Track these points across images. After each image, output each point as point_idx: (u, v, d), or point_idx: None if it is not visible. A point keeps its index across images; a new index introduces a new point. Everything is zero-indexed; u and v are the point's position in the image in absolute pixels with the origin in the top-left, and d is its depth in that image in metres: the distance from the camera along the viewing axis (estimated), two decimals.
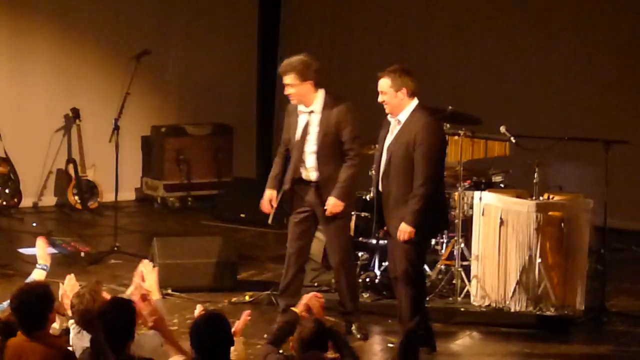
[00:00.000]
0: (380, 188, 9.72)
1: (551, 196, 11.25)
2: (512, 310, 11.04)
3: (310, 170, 10.11)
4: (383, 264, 11.56)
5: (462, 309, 11.16)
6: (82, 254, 12.47)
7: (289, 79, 9.91)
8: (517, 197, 11.19)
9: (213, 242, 12.33)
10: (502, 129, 11.51)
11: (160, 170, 15.20)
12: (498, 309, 11.13)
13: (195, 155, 15.34)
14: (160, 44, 15.00)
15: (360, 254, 11.74)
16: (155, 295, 8.24)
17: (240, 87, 16.30)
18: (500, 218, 11.12)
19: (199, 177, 15.30)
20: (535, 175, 11.20)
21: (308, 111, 10.03)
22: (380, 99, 9.62)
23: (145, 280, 8.34)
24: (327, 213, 10.12)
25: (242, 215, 14.36)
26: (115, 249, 12.81)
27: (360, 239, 11.90)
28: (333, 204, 10.00)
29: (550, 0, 14.92)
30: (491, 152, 11.89)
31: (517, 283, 11.03)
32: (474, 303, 11.25)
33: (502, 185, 11.73)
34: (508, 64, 14.75)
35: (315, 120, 10.02)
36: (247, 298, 10.95)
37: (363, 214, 11.96)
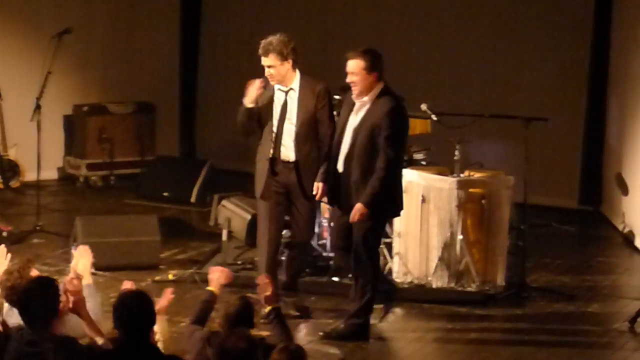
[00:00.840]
0: (339, 167, 9.69)
1: (472, 173, 11.28)
2: (434, 286, 11.10)
3: (289, 150, 10.00)
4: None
5: (392, 287, 11.04)
6: (4, 233, 12.36)
7: (269, 60, 9.84)
8: (439, 174, 11.23)
9: (136, 221, 12.31)
10: (424, 106, 11.52)
11: (83, 149, 15.07)
12: (420, 285, 11.19)
13: (118, 133, 15.24)
14: (82, 23, 14.84)
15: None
16: (86, 280, 8.21)
17: (162, 65, 16.20)
18: (422, 195, 11.16)
19: (122, 155, 15.20)
20: (456, 152, 11.26)
21: (286, 90, 9.97)
22: (349, 80, 9.65)
23: (78, 263, 8.33)
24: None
25: (165, 194, 14.30)
26: (38, 228, 12.68)
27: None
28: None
29: None
30: (413, 130, 11.82)
31: (439, 259, 11.09)
32: (396, 280, 11.26)
33: (423, 163, 11.74)
34: (429, 43, 14.80)
35: (294, 99, 9.98)
36: (170, 277, 10.89)
37: None
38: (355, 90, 9.62)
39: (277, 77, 9.85)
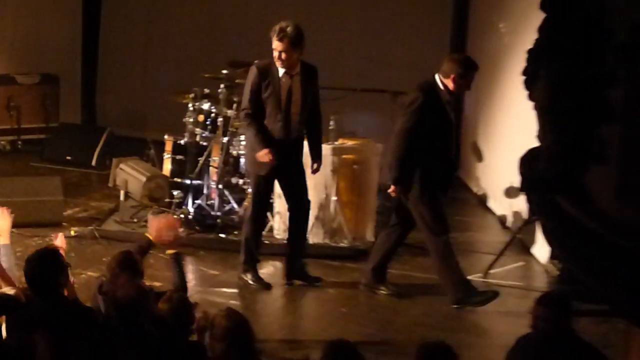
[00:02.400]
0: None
1: (345, 141, 11.38)
2: (311, 242, 11.12)
3: (294, 130, 9.96)
4: (195, 201, 11.61)
5: (266, 242, 11.11)
6: None
7: (282, 45, 9.67)
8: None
9: (41, 182, 12.19)
10: None
11: None
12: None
13: (25, 102, 15.11)
14: None
15: (175, 192, 11.73)
16: (4, 240, 8.18)
17: (66, 39, 16.04)
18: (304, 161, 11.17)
19: (28, 122, 15.07)
20: (331, 122, 11.39)
21: (291, 74, 9.86)
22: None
23: None
24: (314, 172, 10.30)
25: (68, 158, 14.22)
26: None
27: (175, 179, 11.86)
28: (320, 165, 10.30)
29: None
30: None
31: (315, 218, 11.15)
32: (277, 236, 11.33)
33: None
34: (309, 21, 14.76)
35: (297, 83, 9.89)
36: (72, 232, 10.88)
37: (177, 157, 11.93)
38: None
39: (286, 62, 9.75)
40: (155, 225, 8.33)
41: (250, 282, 9.95)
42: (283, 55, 9.69)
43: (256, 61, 10.11)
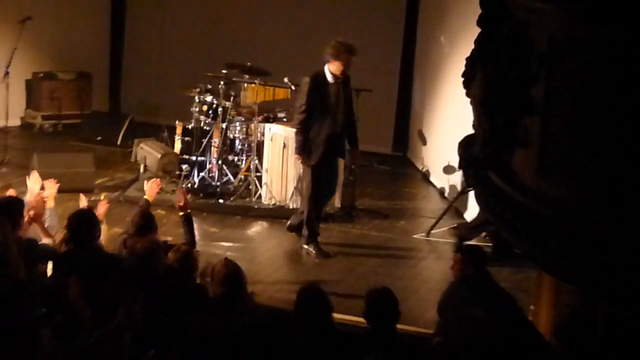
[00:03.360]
0: None
1: None
2: (291, 207, 11.09)
3: (337, 126, 9.81)
4: (200, 174, 11.55)
5: (256, 207, 11.18)
6: None
7: (353, 59, 9.66)
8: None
9: (77, 157, 12.18)
10: (286, 79, 11.53)
11: (38, 104, 14.81)
12: (280, 206, 11.21)
13: (64, 94, 14.96)
14: (38, 11, 14.40)
15: (184, 166, 11.68)
16: (50, 204, 8.17)
17: (97, 42, 15.79)
18: (284, 142, 11.15)
19: (67, 109, 14.88)
20: None
21: (337, 82, 9.70)
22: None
23: (46, 190, 8.25)
24: (355, 161, 10.74)
25: (98, 138, 14.10)
26: (5, 161, 12.47)
27: (184, 156, 11.80)
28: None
29: None
30: (277, 96, 11.92)
31: (294, 188, 11.11)
32: (264, 202, 11.28)
33: (285, 120, 11.62)
34: (290, 29, 14.62)
35: (341, 88, 9.74)
36: (102, 197, 10.76)
37: (186, 139, 11.88)
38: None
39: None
40: (149, 188, 8.41)
41: (313, 252, 9.84)
42: (349, 68, 9.65)
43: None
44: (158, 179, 8.92)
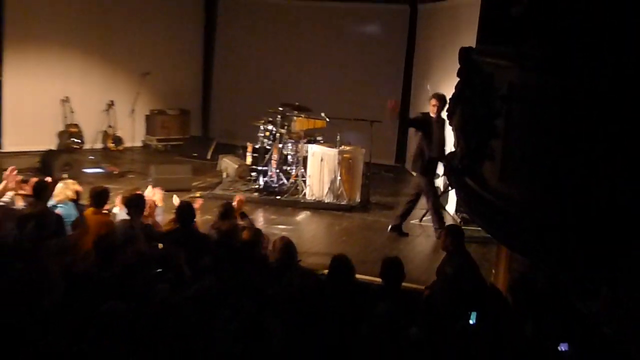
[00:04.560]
0: None
1: (345, 147, 11.25)
2: (326, 201, 11.03)
3: (436, 152, 9.49)
4: (264, 179, 11.48)
5: (302, 201, 11.10)
6: (115, 172, 12.25)
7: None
8: (329, 147, 11.20)
9: (180, 167, 12.17)
10: (322, 114, 11.56)
11: (154, 131, 14.97)
12: (319, 200, 11.12)
13: (171, 124, 15.10)
14: (154, 66, 14.53)
15: (253, 174, 11.70)
16: (160, 204, 8.22)
17: (193, 89, 15.97)
18: (321, 157, 11.11)
19: (173, 135, 15.06)
20: (338, 136, 11.21)
21: (436, 120, 9.45)
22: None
23: (155, 195, 8.32)
24: None
25: (195, 154, 14.18)
26: (131, 170, 12.55)
27: (253, 166, 11.81)
28: None
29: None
30: (316, 125, 11.92)
31: (328, 188, 11.06)
32: (307, 198, 11.19)
33: (322, 141, 11.62)
34: (324, 78, 14.66)
35: (436, 124, 9.47)
36: (198, 195, 10.82)
37: (254, 154, 11.84)
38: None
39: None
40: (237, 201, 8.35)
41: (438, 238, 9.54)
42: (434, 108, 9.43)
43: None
44: (241, 196, 8.87)
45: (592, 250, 4.26)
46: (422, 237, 9.92)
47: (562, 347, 4.94)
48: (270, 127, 11.73)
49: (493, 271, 7.51)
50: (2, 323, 4.68)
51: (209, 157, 14.00)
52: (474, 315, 5.49)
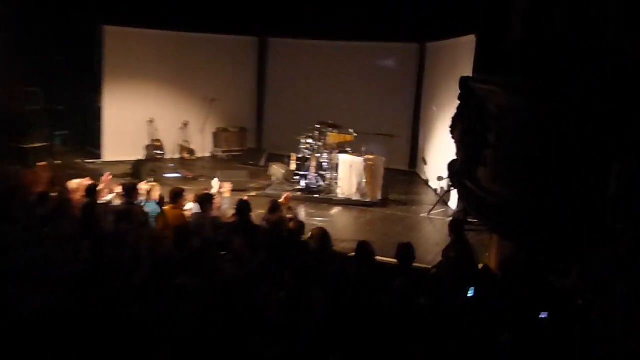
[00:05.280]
0: None
1: (369, 156, 11.15)
2: (354, 199, 10.94)
3: None
4: (305, 181, 11.42)
5: (334, 198, 11.02)
6: (189, 177, 12.30)
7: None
8: (356, 156, 11.13)
9: (240, 172, 12.20)
10: (351, 130, 11.51)
11: (220, 144, 14.97)
12: (348, 197, 11.03)
13: (233, 139, 15.08)
14: (221, 92, 14.57)
15: (296, 177, 11.63)
16: (227, 195, 8.24)
17: (249, 111, 15.82)
18: (350, 164, 11.05)
19: (234, 147, 15.03)
20: (363, 148, 11.24)
21: None
22: None
23: (223, 188, 8.32)
24: None
25: (251, 162, 14.20)
26: (202, 174, 12.57)
27: (297, 171, 11.73)
28: None
29: None
30: (346, 139, 11.79)
31: (356, 189, 10.99)
32: (339, 196, 11.11)
33: (350, 152, 11.49)
34: (352, 99, 14.58)
35: None
36: (253, 194, 10.84)
37: (297, 162, 11.76)
38: None
39: None
40: (283, 198, 8.30)
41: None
42: None
43: None
44: (289, 194, 8.85)
45: (564, 235, 4.22)
46: (429, 227, 9.84)
47: (542, 315, 4.88)
48: (309, 140, 11.69)
49: (487, 254, 7.43)
50: (103, 295, 4.76)
51: (261, 164, 14.02)
52: (471, 290, 5.44)
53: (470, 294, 5.43)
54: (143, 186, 7.95)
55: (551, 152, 4.38)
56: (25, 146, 11.53)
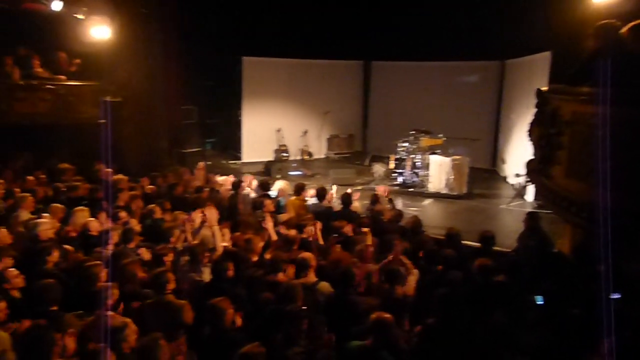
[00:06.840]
0: None
1: (455, 157, 10.83)
2: (443, 192, 10.69)
3: None
4: (402, 177, 11.27)
5: (426, 192, 10.83)
6: (308, 174, 12.45)
7: None
8: (445, 156, 10.84)
9: (347, 171, 12.17)
10: (440, 135, 11.27)
11: (332, 147, 14.85)
12: (438, 192, 10.78)
13: (342, 143, 14.92)
14: (330, 105, 14.65)
15: (393, 175, 11.51)
16: (289, 192, 8.07)
17: (355, 121, 15.68)
18: (440, 163, 10.80)
19: (344, 150, 14.96)
20: (450, 150, 10.98)
21: None
22: None
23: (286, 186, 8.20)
24: None
25: (357, 162, 14.05)
26: (318, 172, 12.60)
27: (395, 169, 11.65)
28: None
29: None
30: (435, 143, 11.57)
31: (445, 184, 10.73)
32: (431, 190, 10.89)
33: (440, 153, 11.17)
34: (442, 108, 14.19)
35: None
36: (359, 187, 10.81)
37: (395, 162, 11.65)
38: None
39: None
40: (381, 189, 8.16)
41: None
42: None
43: None
44: (387, 187, 8.72)
45: (633, 224, 3.92)
46: (508, 217, 9.43)
47: (614, 295, 4.53)
48: (405, 144, 11.55)
49: (559, 241, 7.00)
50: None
51: (366, 164, 14.01)
52: (539, 299, 4.94)
53: (538, 302, 4.90)
54: (278, 183, 8.23)
55: (617, 152, 4.07)
56: (184, 151, 12.32)
